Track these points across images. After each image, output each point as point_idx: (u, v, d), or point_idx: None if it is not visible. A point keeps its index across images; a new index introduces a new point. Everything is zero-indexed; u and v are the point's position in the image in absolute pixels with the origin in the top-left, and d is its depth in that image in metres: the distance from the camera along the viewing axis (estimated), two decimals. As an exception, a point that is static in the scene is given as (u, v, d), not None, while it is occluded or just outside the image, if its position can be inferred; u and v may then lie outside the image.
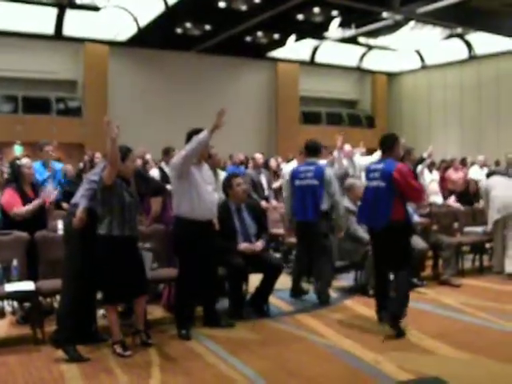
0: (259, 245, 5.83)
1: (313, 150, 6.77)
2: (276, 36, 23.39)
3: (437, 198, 10.36)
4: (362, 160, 9.02)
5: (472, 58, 27.40)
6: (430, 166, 10.80)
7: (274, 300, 6.20)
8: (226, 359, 4.55)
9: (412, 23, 23.10)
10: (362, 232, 6.76)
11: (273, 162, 12.45)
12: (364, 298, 6.53)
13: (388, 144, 5.57)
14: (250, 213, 6.02)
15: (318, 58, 28.06)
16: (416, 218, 7.34)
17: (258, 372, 4.24)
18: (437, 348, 4.81)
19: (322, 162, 7.21)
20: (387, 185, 5.29)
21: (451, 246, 7.49)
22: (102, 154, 7.62)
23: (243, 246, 5.75)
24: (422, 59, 29.92)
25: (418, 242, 7.04)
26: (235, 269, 5.62)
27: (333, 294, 6.76)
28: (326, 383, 4.08)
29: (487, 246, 8.45)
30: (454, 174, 11.85)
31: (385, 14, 20.93)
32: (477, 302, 6.38)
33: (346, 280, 7.39)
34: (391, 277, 5.61)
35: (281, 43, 24.40)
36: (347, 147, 8.65)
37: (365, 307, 6.14)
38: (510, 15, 21.57)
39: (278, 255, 8.42)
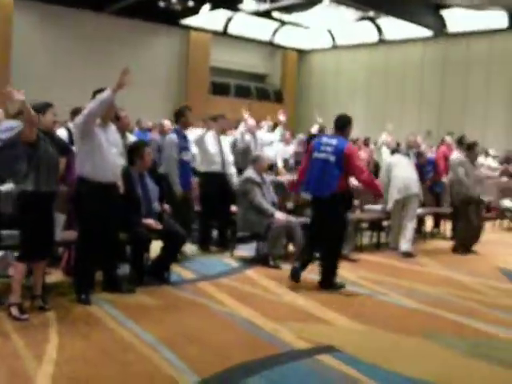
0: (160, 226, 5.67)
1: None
2: (190, 3, 22.98)
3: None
4: (265, 136, 9.11)
5: (381, 41, 28.13)
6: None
7: (175, 268, 6.16)
8: (125, 324, 4.48)
9: (326, 2, 23.36)
10: (266, 204, 6.84)
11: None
12: (265, 268, 6.62)
13: (342, 123, 6.09)
14: (151, 177, 5.91)
15: (231, 30, 27.86)
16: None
17: (158, 338, 4.20)
18: (334, 319, 4.94)
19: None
20: (337, 159, 5.76)
21: (351, 222, 7.70)
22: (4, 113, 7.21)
23: (147, 221, 5.57)
24: (333, 39, 30.36)
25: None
26: (138, 237, 5.51)
27: (234, 263, 6.83)
28: (226, 349, 4.09)
29: (385, 223, 8.78)
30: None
31: (300, -10, 21.02)
32: (374, 276, 6.62)
33: (248, 250, 7.44)
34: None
35: (194, 11, 24.01)
36: (251, 122, 8.68)
37: (265, 277, 6.22)
38: (419, 2, 22.31)
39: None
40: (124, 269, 5.73)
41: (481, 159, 11.16)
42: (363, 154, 11.76)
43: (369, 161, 11.24)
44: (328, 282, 5.94)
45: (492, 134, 23.03)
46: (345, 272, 6.66)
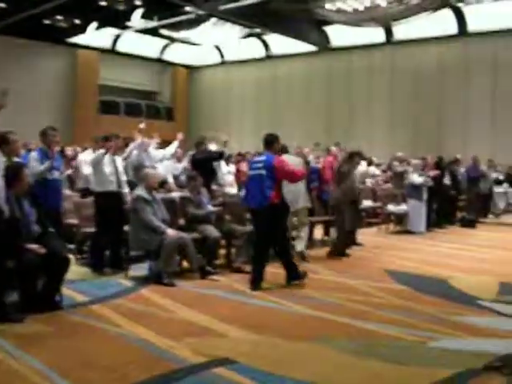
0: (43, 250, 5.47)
1: None
2: (76, 21, 22.55)
3: (231, 189, 10.78)
4: (156, 152, 9.14)
5: (268, 57, 28.80)
6: (227, 158, 11.22)
7: (68, 291, 6.02)
8: (14, 354, 4.32)
9: (214, 19, 23.66)
10: (157, 221, 6.85)
11: (68, 151, 12.04)
12: (159, 286, 6.60)
13: (270, 140, 6.95)
14: (28, 199, 5.72)
15: (120, 47, 27.60)
16: (209, 208, 7.61)
17: (50, 365, 4.08)
18: (228, 331, 5.02)
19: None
20: (268, 173, 6.59)
21: (243, 234, 7.85)
22: None
23: (31, 246, 5.37)
24: (221, 55, 30.74)
25: (211, 230, 7.30)
26: (25, 263, 5.32)
27: (128, 283, 6.77)
28: (123, 370, 4.04)
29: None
30: (246, 167, 12.38)
31: (188, 8, 21.19)
32: (267, 285, 6.76)
33: (143, 269, 7.40)
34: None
35: (81, 29, 23.60)
36: (145, 139, 8.69)
37: (160, 296, 6.21)
38: (303, 20, 23.08)
39: (71, 246, 8.16)
40: (13, 296, 5.53)
41: (363, 167, 11.69)
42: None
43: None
44: (295, 275, 6.86)
45: (377, 141, 24.10)
46: (238, 284, 6.80)
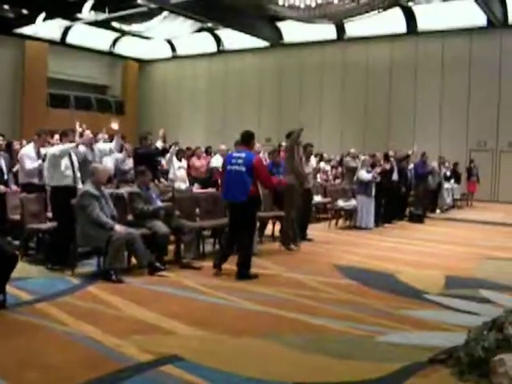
0: None
1: None
2: (24, 11, 22.00)
3: (183, 185, 10.70)
4: (103, 146, 9.00)
5: (220, 51, 28.73)
6: (179, 154, 11.13)
7: (12, 289, 5.84)
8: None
9: (165, 13, 23.47)
10: (105, 217, 6.75)
11: (16, 145, 11.75)
12: (107, 283, 6.50)
13: (247, 138, 7.29)
14: None
15: (70, 40, 27.07)
16: (158, 203, 7.54)
17: (-10, 367, 3.97)
18: (176, 328, 4.98)
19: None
20: (247, 169, 6.91)
21: (192, 230, 7.80)
22: None
23: None
24: (173, 49, 30.51)
25: (160, 226, 7.24)
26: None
27: (75, 280, 6.64)
28: (68, 370, 3.95)
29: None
30: (197, 162, 12.33)
31: (139, 1, 20.97)
32: (216, 282, 6.76)
33: (89, 266, 7.27)
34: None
35: (30, 20, 23.04)
36: (87, 133, 8.54)
37: (108, 293, 6.11)
38: (256, 15, 23.10)
39: (17, 242, 7.96)
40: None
41: (313, 162, 11.79)
42: (199, 162, 11.99)
43: (210, 169, 11.46)
44: (243, 274, 6.97)
45: (328, 137, 24.36)
46: (187, 280, 6.76)
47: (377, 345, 4.74)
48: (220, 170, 9.82)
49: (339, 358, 4.36)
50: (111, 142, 9.76)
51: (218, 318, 5.33)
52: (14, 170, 9.57)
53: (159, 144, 10.21)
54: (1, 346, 4.45)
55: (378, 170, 12.29)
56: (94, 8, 22.01)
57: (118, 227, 6.75)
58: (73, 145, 7.36)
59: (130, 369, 4.01)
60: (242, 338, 4.79)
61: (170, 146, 10.19)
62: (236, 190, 7.02)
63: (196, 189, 10.47)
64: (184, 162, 11.84)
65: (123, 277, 6.66)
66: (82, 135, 7.77)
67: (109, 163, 9.27)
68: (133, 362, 4.15)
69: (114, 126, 9.03)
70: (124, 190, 8.23)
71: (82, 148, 8.02)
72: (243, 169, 6.96)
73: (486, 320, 4.51)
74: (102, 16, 23.38)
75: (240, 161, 7.04)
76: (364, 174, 12.02)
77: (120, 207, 7.54)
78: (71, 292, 6.14)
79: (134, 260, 7.17)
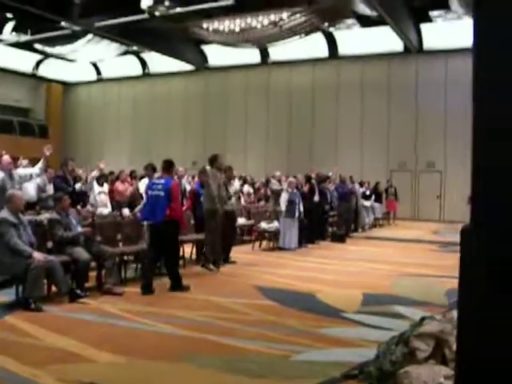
0: None
1: None
2: None
3: (105, 210, 10.62)
4: (24, 171, 8.85)
5: (146, 74, 28.72)
6: (100, 179, 11.04)
7: None
8: None
9: (90, 36, 23.31)
10: (23, 245, 6.66)
11: None
12: (26, 312, 6.37)
13: (168, 165, 8.11)
14: None
15: (-10, 61, 26.41)
16: (79, 229, 7.50)
17: None
18: (96, 355, 4.96)
19: None
20: (165, 194, 7.77)
21: (113, 255, 7.79)
22: None
23: None
24: (98, 72, 30.27)
25: (81, 252, 7.20)
26: None
27: (-7, 310, 6.50)
28: (-23, 403, 3.92)
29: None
30: (121, 186, 12.27)
31: (63, 23, 20.74)
32: (138, 307, 6.76)
33: (7, 295, 7.12)
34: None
35: None
36: (5, 158, 8.41)
37: (26, 322, 6.00)
38: (181, 39, 23.30)
39: None
40: None
41: (236, 185, 11.99)
42: (123, 186, 11.93)
43: (133, 193, 11.42)
44: (177, 286, 7.75)
45: (252, 160, 24.69)
46: (108, 306, 6.74)
47: (293, 363, 4.89)
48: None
49: (254, 378, 4.48)
50: (32, 166, 9.62)
51: (138, 344, 5.35)
52: None
53: (94, 173, 10.19)
54: None
55: (303, 189, 12.65)
56: (16, 29, 21.61)
57: (37, 254, 6.66)
58: None
59: (45, 399, 4.00)
60: (160, 362, 4.84)
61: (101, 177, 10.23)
62: (154, 212, 7.83)
63: (126, 212, 10.39)
64: (105, 187, 11.76)
65: (43, 305, 6.55)
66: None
67: (30, 189, 9.12)
68: (49, 391, 4.13)
69: (48, 151, 8.91)
70: (44, 217, 8.13)
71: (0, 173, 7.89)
72: (162, 193, 7.80)
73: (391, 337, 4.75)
74: (24, 37, 22.98)
75: (159, 186, 7.91)
76: (285, 196, 12.32)
77: (40, 234, 7.44)
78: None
79: (53, 287, 7.07)
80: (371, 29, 23.01)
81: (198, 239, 10.02)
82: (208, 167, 10.70)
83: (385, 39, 22.87)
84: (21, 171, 9.00)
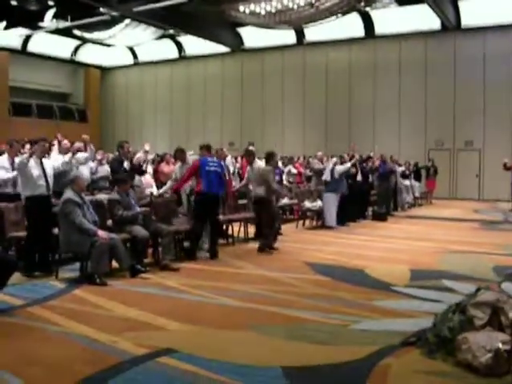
0: None
1: None
2: (-16, 21, 21.92)
3: (152, 190, 10.99)
4: (79, 155, 9.18)
5: (182, 57, 28.96)
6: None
7: (1, 296, 6.07)
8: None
9: (127, 21, 23.61)
10: (88, 223, 7.01)
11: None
12: (92, 286, 6.76)
13: (209, 148, 9.20)
14: None
15: (31, 48, 26.96)
16: (137, 209, 7.86)
17: (-1, 365, 4.23)
18: (166, 324, 5.30)
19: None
20: (222, 170, 8.99)
21: (170, 233, 8.14)
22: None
23: None
24: (134, 56, 30.60)
25: (140, 230, 7.54)
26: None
27: (60, 285, 6.89)
28: (69, 366, 4.22)
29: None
30: (166, 167, 12.59)
31: (102, 9, 21.07)
32: (196, 282, 7.08)
33: (72, 271, 7.51)
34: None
35: (-11, 29, 22.95)
36: (65, 143, 8.75)
37: (94, 295, 6.38)
38: (217, 21, 23.43)
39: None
40: None
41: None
42: (168, 168, 12.24)
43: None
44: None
45: (290, 140, 24.82)
46: (168, 281, 7.08)
47: (351, 331, 5.16)
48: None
49: (319, 344, 4.76)
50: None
51: (203, 314, 5.68)
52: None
53: (139, 155, 10.52)
54: (3, 346, 4.70)
55: (349, 164, 12.84)
56: (56, 16, 22.04)
57: (101, 232, 7.03)
58: (25, 156, 7.52)
59: (128, 362, 4.32)
60: (227, 330, 5.15)
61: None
62: (216, 186, 8.86)
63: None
64: (149, 168, 12.12)
65: (107, 280, 6.94)
66: (60, 144, 8.00)
67: (85, 172, 9.50)
68: (129, 355, 4.45)
69: (85, 136, 9.30)
70: (103, 197, 8.50)
71: (60, 158, 8.26)
72: (219, 169, 8.97)
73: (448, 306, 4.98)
74: (63, 24, 23.40)
75: (215, 164, 9.02)
76: (341, 167, 12.51)
77: (100, 213, 7.80)
78: (58, 296, 6.40)
79: (114, 263, 7.44)
80: (408, 7, 22.87)
81: (246, 218, 10.31)
82: (260, 162, 10.89)
83: (422, 17, 22.69)
84: (78, 155, 9.33)
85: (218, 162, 9.28)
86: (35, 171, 7.42)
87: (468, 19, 22.54)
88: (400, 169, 17.71)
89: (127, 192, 7.97)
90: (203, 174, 8.77)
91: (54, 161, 8.19)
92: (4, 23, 22.22)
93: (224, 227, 10.35)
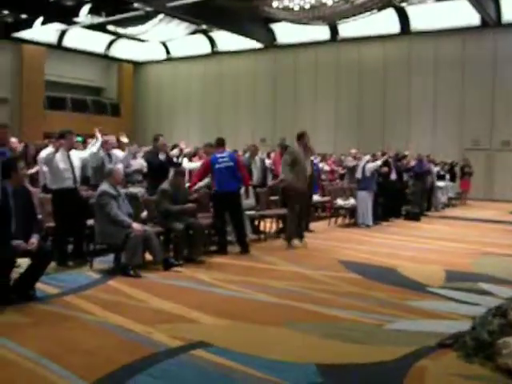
0: (34, 242, 5.62)
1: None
2: (23, 16, 22.26)
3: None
4: (117, 152, 9.23)
5: (214, 53, 28.98)
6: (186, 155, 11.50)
7: (38, 284, 6.13)
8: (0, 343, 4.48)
9: (161, 16, 23.72)
10: (123, 215, 7.06)
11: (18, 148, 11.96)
12: (126, 278, 6.81)
13: (222, 142, 8.97)
14: (20, 197, 5.78)
15: (66, 43, 27.30)
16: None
17: (36, 351, 4.27)
18: (199, 317, 5.31)
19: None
20: (234, 164, 8.73)
21: (202, 228, 8.20)
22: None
23: (16, 242, 5.49)
24: (167, 51, 30.74)
25: (176, 224, 7.57)
26: (2, 258, 5.43)
27: (94, 275, 6.96)
28: (105, 354, 4.27)
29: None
30: (199, 162, 12.62)
31: (136, 5, 21.23)
32: (229, 277, 7.08)
33: (106, 262, 7.57)
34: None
35: (28, 24, 23.30)
36: (106, 139, 8.82)
37: (128, 286, 6.43)
38: (249, 17, 23.40)
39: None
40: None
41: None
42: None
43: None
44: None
45: (322, 138, 24.60)
46: (200, 275, 7.08)
47: (386, 331, 5.09)
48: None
49: (353, 343, 4.71)
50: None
51: (237, 309, 5.66)
52: (29, 172, 9.79)
53: (175, 152, 10.61)
54: (40, 334, 4.76)
55: (382, 169, 12.70)
56: (91, 12, 22.28)
57: (135, 225, 7.07)
58: (51, 149, 7.61)
59: (163, 353, 4.34)
60: (262, 326, 5.13)
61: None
62: (229, 182, 8.68)
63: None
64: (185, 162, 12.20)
65: (140, 272, 6.98)
66: (106, 142, 8.19)
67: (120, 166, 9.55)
68: (164, 347, 4.47)
69: (124, 139, 9.44)
70: (137, 190, 8.57)
71: (101, 153, 8.38)
72: (231, 163, 8.72)
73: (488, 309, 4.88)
74: (98, 19, 23.64)
75: (226, 158, 8.76)
76: (371, 164, 12.38)
77: (134, 206, 7.85)
78: (93, 286, 6.47)
79: (148, 256, 7.48)
80: (445, 2, 22.50)
81: (279, 214, 10.27)
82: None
83: (460, 13, 22.25)
84: (115, 152, 9.39)
85: (230, 155, 9.02)
86: (62, 164, 7.48)
87: (510, 14, 21.97)
88: (435, 169, 17.50)
89: (178, 186, 8.02)
90: (214, 172, 8.78)
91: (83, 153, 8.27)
92: (41, 19, 22.52)
93: (256, 223, 10.31)
